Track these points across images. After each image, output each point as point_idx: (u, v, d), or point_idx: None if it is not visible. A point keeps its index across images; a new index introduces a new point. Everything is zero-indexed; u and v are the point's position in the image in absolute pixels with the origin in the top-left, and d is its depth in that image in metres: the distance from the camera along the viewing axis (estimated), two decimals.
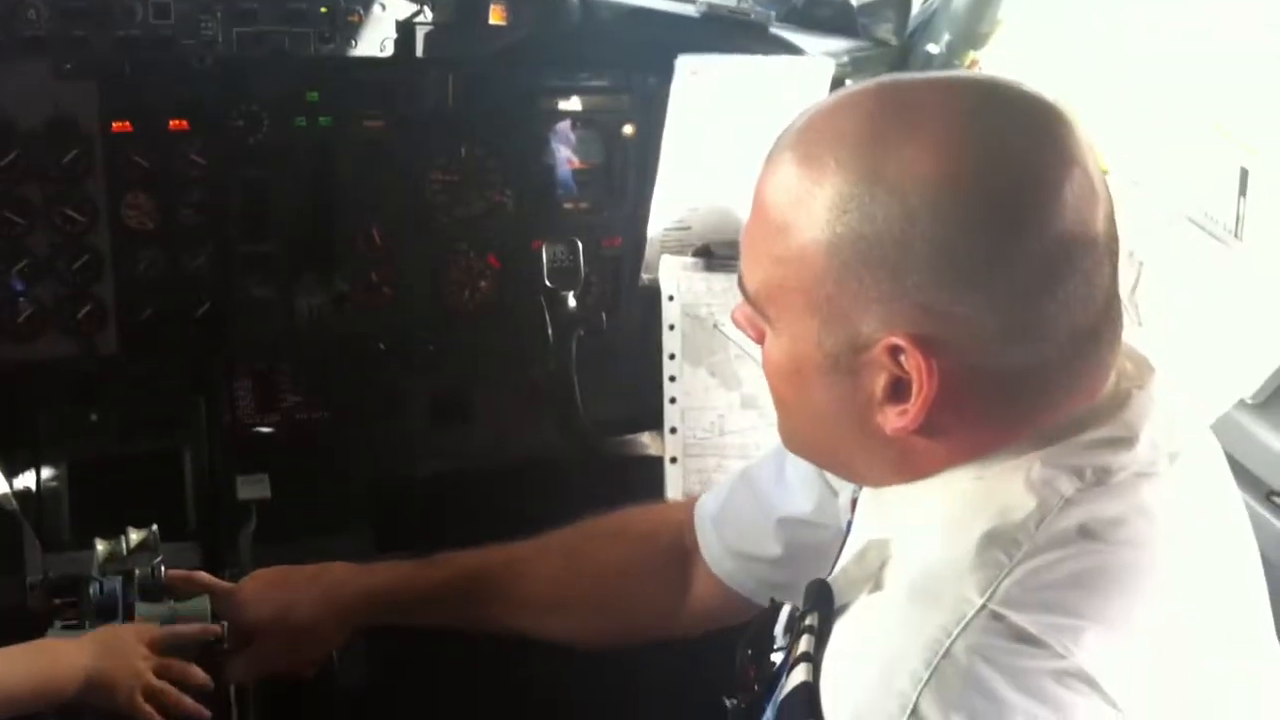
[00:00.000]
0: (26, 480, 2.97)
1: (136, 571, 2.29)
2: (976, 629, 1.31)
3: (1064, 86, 3.11)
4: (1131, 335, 1.48)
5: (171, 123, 3.12)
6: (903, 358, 1.35)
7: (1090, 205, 1.35)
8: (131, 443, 3.10)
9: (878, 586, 1.45)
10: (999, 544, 1.36)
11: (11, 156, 3.02)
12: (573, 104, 3.43)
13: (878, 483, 1.55)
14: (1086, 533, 1.37)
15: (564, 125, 3.43)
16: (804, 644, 1.46)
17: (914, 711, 1.28)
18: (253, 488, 2.68)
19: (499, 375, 3.49)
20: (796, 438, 1.60)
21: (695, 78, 3.11)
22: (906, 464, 1.46)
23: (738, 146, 3.12)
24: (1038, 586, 1.33)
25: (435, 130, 3.36)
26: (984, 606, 1.32)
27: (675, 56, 3.08)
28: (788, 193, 1.39)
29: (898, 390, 1.38)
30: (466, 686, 3.17)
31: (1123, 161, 2.71)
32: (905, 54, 3.45)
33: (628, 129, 3.44)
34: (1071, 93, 3.07)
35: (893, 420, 1.39)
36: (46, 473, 3.01)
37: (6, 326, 3.11)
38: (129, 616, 2.22)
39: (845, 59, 3.34)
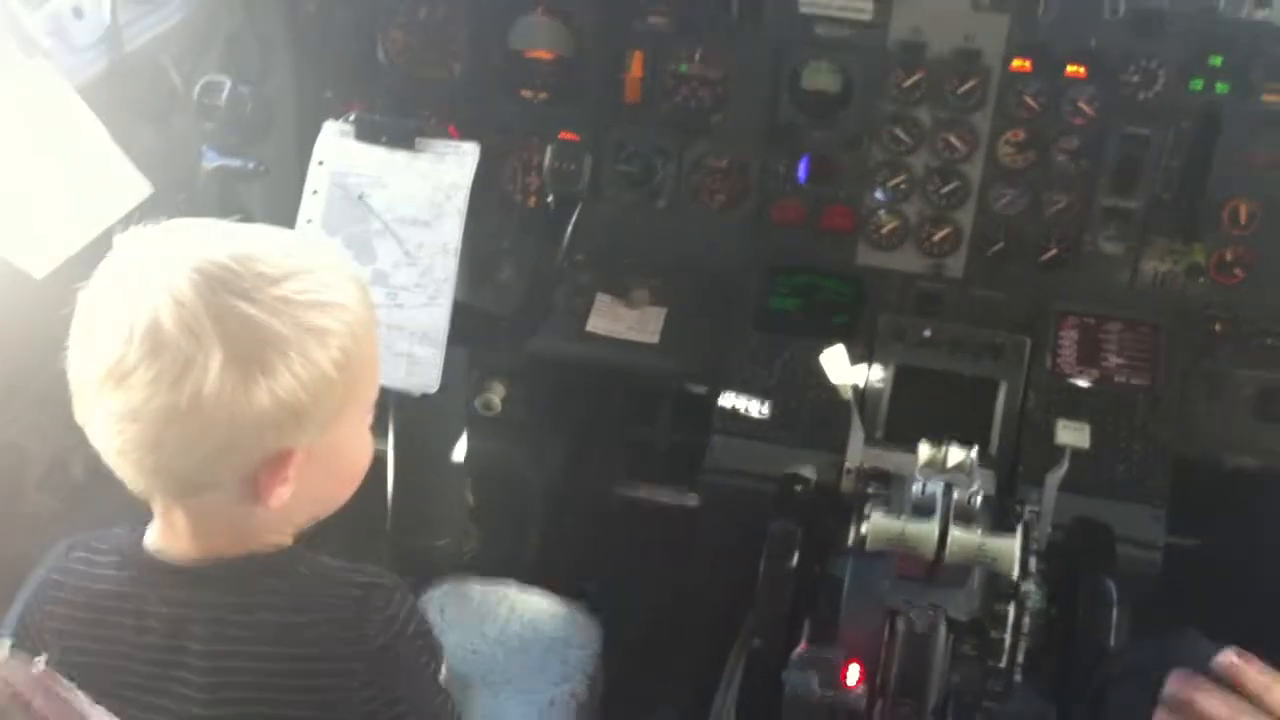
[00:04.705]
0: (859, 374, 3.22)
1: (955, 493, 2.41)
2: None
3: None
4: None
5: (1069, 68, 3.18)
6: None
7: None
8: (955, 362, 3.25)
9: None
10: None
11: (916, 78, 3.26)
12: None
13: None
14: None
15: None
16: None
17: None
18: (1073, 434, 2.69)
19: None
20: None
21: None
22: None
23: None
24: None
25: None
26: None
27: None
28: None
29: None
30: None
31: None
32: None
33: None
34: None
35: None
36: (876, 371, 3.25)
37: (871, 235, 3.40)
38: (944, 522, 2.35)
39: None
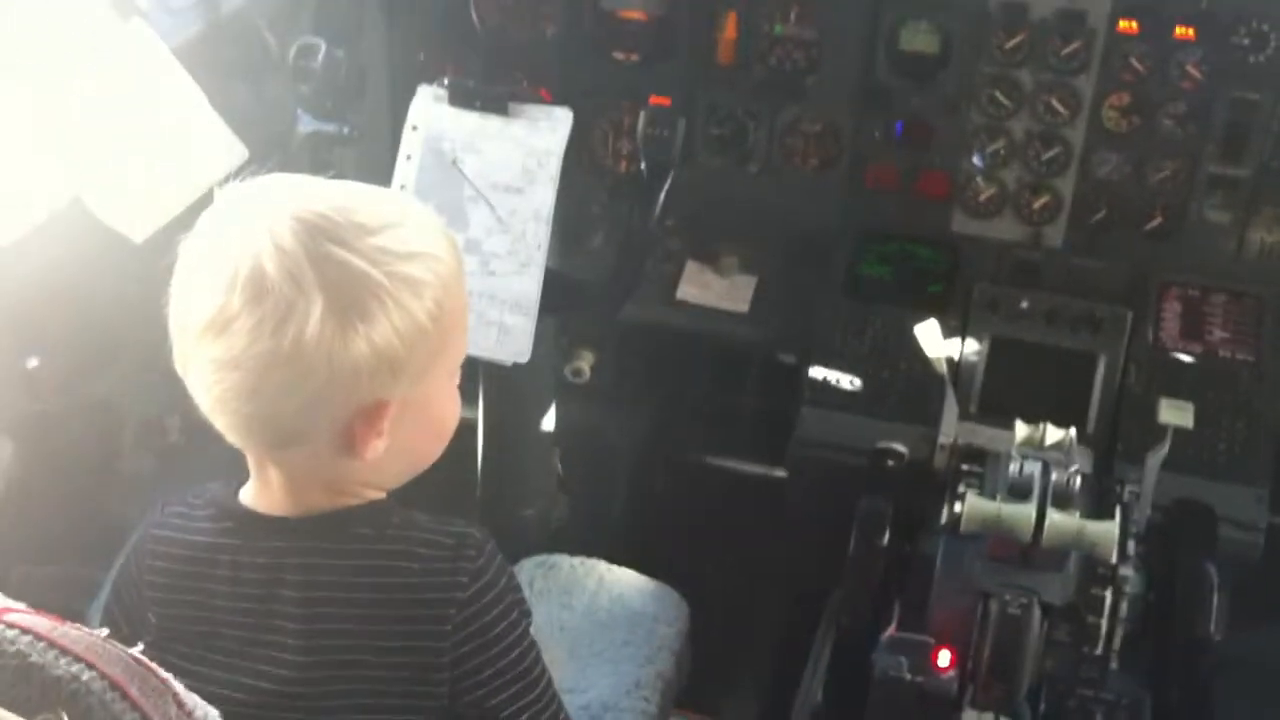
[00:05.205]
0: (951, 347, 3.16)
1: (1053, 474, 2.36)
2: None
3: None
4: None
5: (1177, 30, 3.07)
6: None
7: None
8: (1052, 335, 3.18)
9: None
10: None
11: (1018, 40, 3.17)
12: None
13: None
14: None
15: None
16: None
17: None
18: (1176, 413, 2.61)
19: None
20: None
21: None
22: None
23: None
24: None
25: None
26: None
27: None
28: None
29: None
30: None
31: None
32: None
33: None
34: None
35: None
36: (970, 344, 3.18)
37: (968, 202, 3.32)
38: (1042, 505, 2.30)
39: None
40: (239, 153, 2.60)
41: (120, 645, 1.10)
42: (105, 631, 1.12)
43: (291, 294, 1.51)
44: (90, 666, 1.04)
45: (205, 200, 1.63)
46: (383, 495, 1.76)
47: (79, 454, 2.64)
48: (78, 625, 1.10)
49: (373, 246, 1.56)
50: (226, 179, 1.63)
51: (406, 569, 1.69)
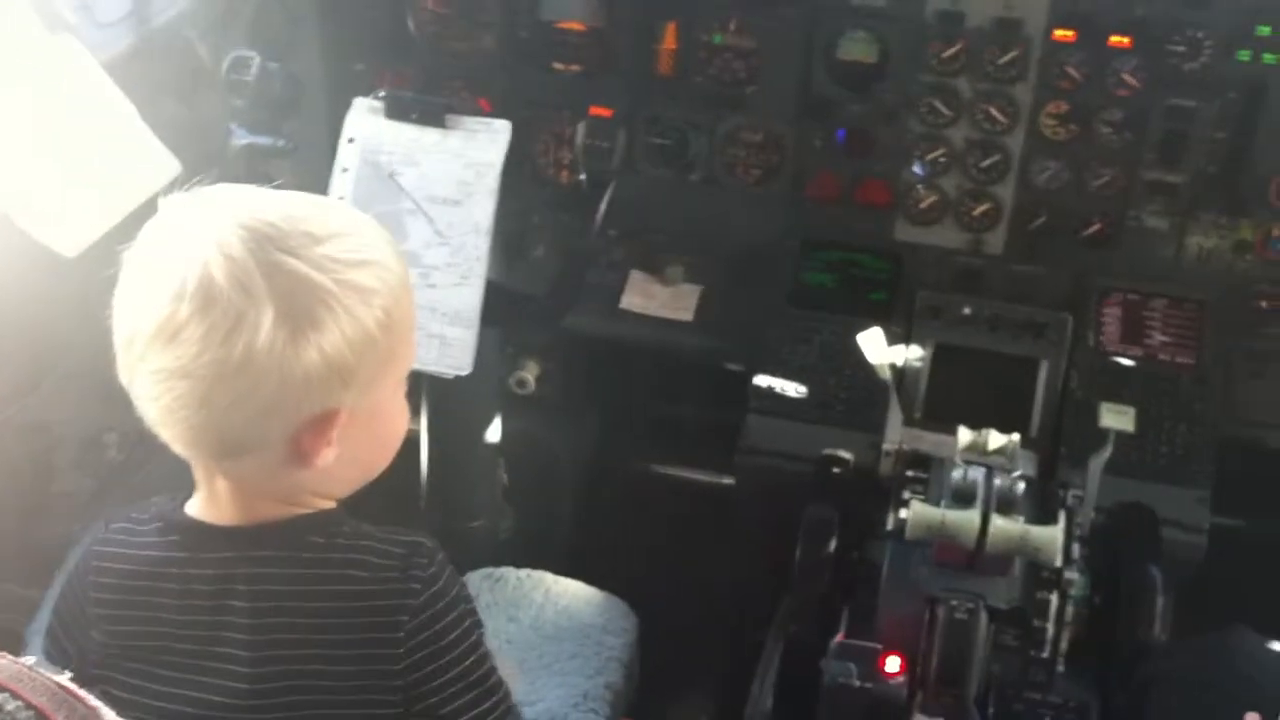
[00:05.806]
0: (895, 354, 3.16)
1: (997, 480, 2.36)
2: None
3: None
4: None
5: (1113, 38, 3.10)
6: None
7: None
8: (994, 341, 3.20)
9: None
10: None
11: (956, 49, 3.19)
12: None
13: None
14: None
15: None
16: None
17: None
18: (1117, 417, 2.63)
19: None
20: None
21: None
22: None
23: None
24: None
25: None
26: None
27: None
28: None
29: None
30: None
31: None
32: None
33: None
34: None
35: None
36: (913, 350, 3.20)
37: (909, 210, 3.34)
38: (985, 510, 2.32)
39: None
40: (172, 167, 2.56)
41: (47, 673, 1.07)
42: (32, 659, 1.09)
43: (241, 303, 1.49)
44: (15, 696, 1.02)
45: (142, 213, 1.60)
46: (332, 504, 1.75)
47: (14, 474, 2.58)
48: (3, 654, 1.07)
49: (321, 255, 1.55)
50: (161, 193, 1.60)
51: (358, 577, 1.68)
